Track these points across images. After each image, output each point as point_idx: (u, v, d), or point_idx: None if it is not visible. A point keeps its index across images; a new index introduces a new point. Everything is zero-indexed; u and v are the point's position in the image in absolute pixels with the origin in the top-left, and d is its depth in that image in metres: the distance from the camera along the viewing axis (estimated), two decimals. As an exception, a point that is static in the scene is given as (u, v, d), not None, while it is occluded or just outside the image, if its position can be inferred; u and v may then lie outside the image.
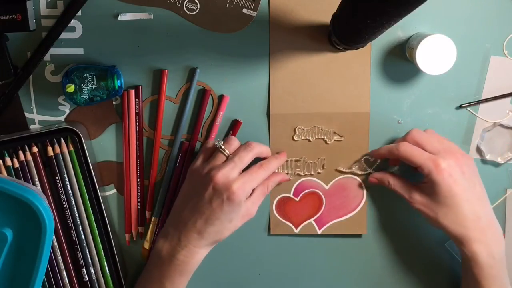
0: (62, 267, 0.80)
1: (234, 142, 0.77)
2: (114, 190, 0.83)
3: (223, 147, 0.76)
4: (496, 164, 0.82)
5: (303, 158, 0.80)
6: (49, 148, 0.78)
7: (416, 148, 0.75)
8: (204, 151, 0.78)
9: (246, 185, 0.73)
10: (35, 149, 0.78)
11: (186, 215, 0.75)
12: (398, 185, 0.78)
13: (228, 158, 0.75)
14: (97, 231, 0.80)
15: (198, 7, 0.70)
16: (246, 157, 0.75)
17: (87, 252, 0.81)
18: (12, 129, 0.80)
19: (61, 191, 0.79)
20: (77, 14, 0.77)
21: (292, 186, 0.82)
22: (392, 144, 0.78)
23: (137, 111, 0.80)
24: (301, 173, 0.81)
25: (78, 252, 0.80)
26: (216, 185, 0.72)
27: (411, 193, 0.76)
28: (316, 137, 0.81)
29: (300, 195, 0.82)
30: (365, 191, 0.82)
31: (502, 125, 0.81)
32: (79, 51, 0.79)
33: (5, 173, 0.77)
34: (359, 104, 0.80)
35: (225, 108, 0.80)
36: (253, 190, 0.76)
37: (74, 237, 0.80)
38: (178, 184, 0.82)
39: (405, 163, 0.77)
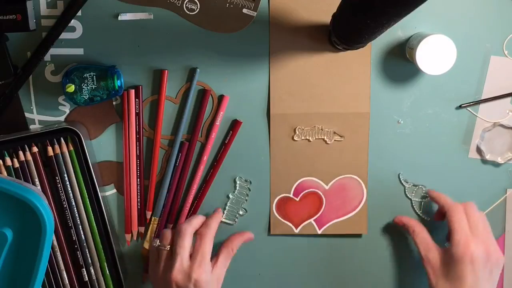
0: (62, 267, 0.80)
1: (167, 234, 0.77)
2: (114, 190, 0.83)
3: (160, 243, 0.77)
4: (496, 164, 0.82)
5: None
6: (49, 148, 0.78)
7: (464, 219, 0.75)
8: (151, 255, 0.79)
9: (202, 264, 0.74)
10: (35, 149, 0.78)
11: None
12: (420, 238, 0.78)
13: (172, 252, 0.75)
14: (97, 231, 0.80)
15: (198, 7, 0.70)
16: (185, 242, 0.75)
17: (87, 252, 0.81)
18: (12, 129, 0.80)
19: (61, 191, 0.79)
20: (77, 14, 0.77)
21: (292, 186, 0.82)
22: (449, 199, 0.79)
23: (137, 111, 0.80)
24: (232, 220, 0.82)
25: (78, 252, 0.80)
26: (178, 284, 0.73)
27: (428, 251, 0.77)
28: (316, 137, 0.81)
29: (300, 195, 0.82)
30: (365, 191, 0.82)
31: (502, 125, 0.81)
32: (79, 51, 0.79)
33: (5, 173, 0.77)
34: (359, 104, 0.80)
35: (225, 108, 0.80)
36: (217, 255, 0.78)
37: (74, 237, 0.80)
38: (178, 184, 0.82)
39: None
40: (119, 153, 0.82)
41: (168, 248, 0.76)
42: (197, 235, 0.76)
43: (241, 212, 0.83)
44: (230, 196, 0.82)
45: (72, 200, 0.79)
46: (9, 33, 0.77)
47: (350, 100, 0.80)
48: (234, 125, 0.81)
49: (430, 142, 0.81)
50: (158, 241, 0.77)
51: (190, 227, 0.76)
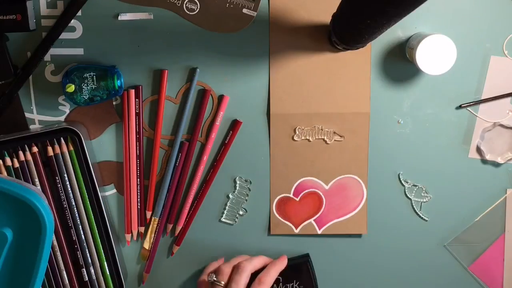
0: (62, 267, 0.80)
1: (225, 269, 0.77)
2: (114, 190, 0.83)
3: (217, 279, 0.76)
4: (496, 164, 0.82)
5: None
6: (49, 148, 0.78)
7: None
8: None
9: None
10: (35, 149, 0.78)
11: None
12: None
13: None
14: (97, 231, 0.80)
15: (198, 7, 0.70)
16: (242, 280, 0.75)
17: (87, 252, 0.81)
18: (12, 129, 0.80)
19: (61, 191, 0.79)
20: (77, 14, 0.77)
21: (292, 186, 0.82)
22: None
23: (137, 111, 0.80)
24: None
25: (78, 252, 0.80)
26: None
27: None
28: (316, 137, 0.81)
29: (300, 195, 0.82)
30: (365, 191, 0.82)
31: (502, 125, 0.81)
32: (79, 51, 0.79)
33: (5, 173, 0.77)
34: (359, 104, 0.80)
35: (225, 108, 0.80)
36: None
37: (74, 237, 0.80)
38: (178, 184, 0.82)
39: None
40: (119, 153, 0.82)
41: (223, 285, 0.76)
42: (257, 279, 0.76)
43: (241, 212, 0.83)
44: (230, 196, 0.82)
45: (72, 200, 0.79)
46: (9, 33, 0.77)
47: (350, 100, 0.80)
48: (234, 125, 0.81)
49: (430, 142, 0.81)
50: (214, 276, 0.77)
51: (250, 265, 0.77)
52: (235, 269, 0.77)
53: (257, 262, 0.79)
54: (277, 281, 0.81)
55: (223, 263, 0.79)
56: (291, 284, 0.81)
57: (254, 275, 0.77)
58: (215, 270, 0.78)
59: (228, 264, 0.78)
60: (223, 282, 0.76)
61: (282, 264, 0.80)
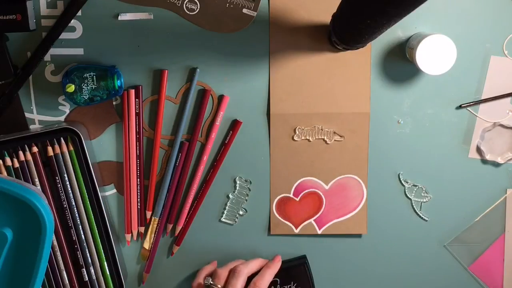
0: (62, 267, 0.80)
1: (222, 273, 0.78)
2: (114, 190, 0.83)
3: (213, 282, 0.77)
4: (496, 164, 0.82)
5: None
6: (49, 148, 0.78)
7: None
8: None
9: None
10: (35, 149, 0.78)
11: None
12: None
13: None
14: (97, 231, 0.80)
15: (198, 7, 0.70)
16: (239, 284, 0.76)
17: (87, 252, 0.81)
18: (12, 129, 0.80)
19: (61, 191, 0.79)
20: (77, 14, 0.77)
21: (292, 186, 0.82)
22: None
23: (137, 111, 0.80)
24: None
25: (78, 252, 0.80)
26: None
27: None
28: (316, 137, 0.81)
29: (300, 195, 0.82)
30: (365, 191, 0.82)
31: (502, 125, 0.81)
32: (79, 51, 0.79)
33: (5, 173, 0.77)
34: (359, 104, 0.80)
35: (225, 108, 0.80)
36: None
37: (74, 237, 0.80)
38: (178, 184, 0.82)
39: None
40: (119, 153, 0.82)
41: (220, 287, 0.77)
42: (252, 283, 0.77)
43: (241, 212, 0.83)
44: (230, 196, 0.83)
45: (72, 200, 0.79)
46: (9, 33, 0.77)
47: (350, 100, 0.80)
48: (234, 125, 0.81)
49: (430, 142, 0.81)
50: (210, 279, 0.77)
51: (246, 269, 0.77)
52: (232, 273, 0.77)
53: (254, 265, 0.79)
54: (274, 283, 0.81)
55: (220, 267, 0.79)
56: (288, 286, 0.81)
57: (251, 278, 0.78)
58: (211, 273, 0.79)
59: (225, 268, 0.78)
60: (219, 286, 0.76)
61: (276, 266, 0.80)
